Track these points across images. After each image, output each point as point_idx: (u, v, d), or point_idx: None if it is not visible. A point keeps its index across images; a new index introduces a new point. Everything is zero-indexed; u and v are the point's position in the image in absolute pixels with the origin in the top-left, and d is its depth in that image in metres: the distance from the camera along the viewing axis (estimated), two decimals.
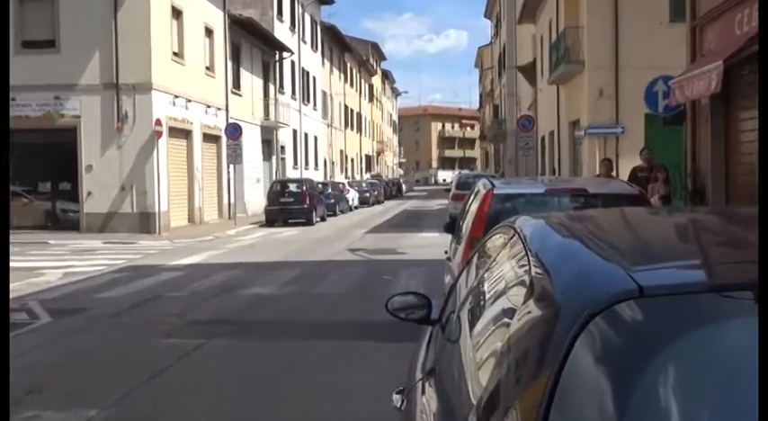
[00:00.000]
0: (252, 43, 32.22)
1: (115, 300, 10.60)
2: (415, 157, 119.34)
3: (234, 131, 25.79)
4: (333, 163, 51.13)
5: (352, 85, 59.92)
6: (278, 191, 26.98)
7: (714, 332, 1.36)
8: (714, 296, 1.43)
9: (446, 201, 28.85)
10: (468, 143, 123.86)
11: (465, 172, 49.44)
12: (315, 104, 45.78)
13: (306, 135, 42.60)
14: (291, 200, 26.30)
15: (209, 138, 27.17)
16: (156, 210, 21.72)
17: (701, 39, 12.15)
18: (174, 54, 23.99)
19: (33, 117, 21.54)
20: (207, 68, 27.16)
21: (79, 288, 11.94)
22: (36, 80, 21.02)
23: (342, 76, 55.43)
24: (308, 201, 26.35)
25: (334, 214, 31.00)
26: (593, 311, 1.43)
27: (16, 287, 11.12)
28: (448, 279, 6.68)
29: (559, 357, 1.40)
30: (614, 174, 14.01)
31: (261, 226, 25.83)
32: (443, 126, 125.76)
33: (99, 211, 21.82)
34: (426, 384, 2.51)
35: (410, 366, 3.11)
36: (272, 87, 35.32)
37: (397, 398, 2.97)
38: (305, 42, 42.91)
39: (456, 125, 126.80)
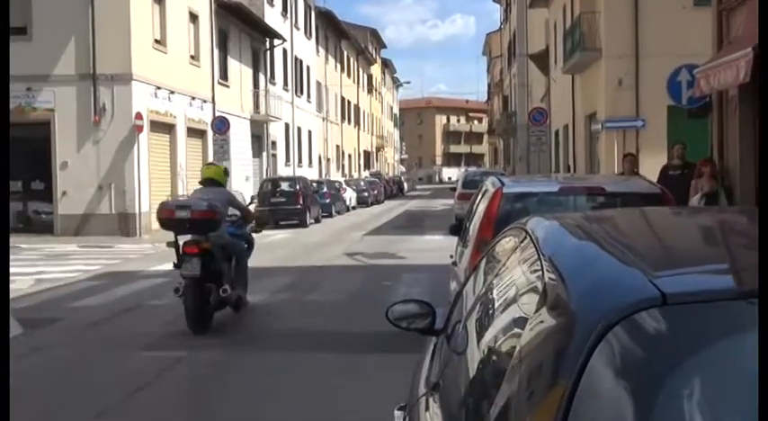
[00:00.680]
0: (240, 30, 32.24)
1: (91, 310, 10.60)
2: (418, 153, 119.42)
3: (221, 125, 25.81)
4: (328, 160, 51.16)
5: (349, 75, 59.97)
6: (269, 190, 27.01)
7: (742, 342, 1.36)
8: (742, 303, 1.42)
9: (451, 201, 28.87)
10: (475, 138, 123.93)
11: (472, 169, 49.38)
12: (309, 96, 45.81)
13: (299, 129, 42.63)
14: (283, 200, 26.32)
15: (194, 132, 27.19)
16: (137, 210, 21.73)
17: (729, 24, 12.16)
18: (156, 41, 24.01)
19: None
20: (191, 57, 27.18)
21: (52, 296, 11.94)
22: None
23: (338, 65, 55.47)
24: (301, 202, 26.37)
25: (330, 215, 31.01)
26: (611, 321, 1.43)
27: None
28: (453, 285, 6.69)
29: (575, 370, 1.40)
30: (637, 170, 13.52)
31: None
32: (448, 119, 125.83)
33: (74, 212, 21.83)
34: (430, 400, 2.51)
35: (413, 380, 3.11)
36: (262, 78, 35.34)
37: (398, 414, 2.97)
38: (298, 29, 42.95)
39: (462, 118, 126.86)
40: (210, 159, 26.87)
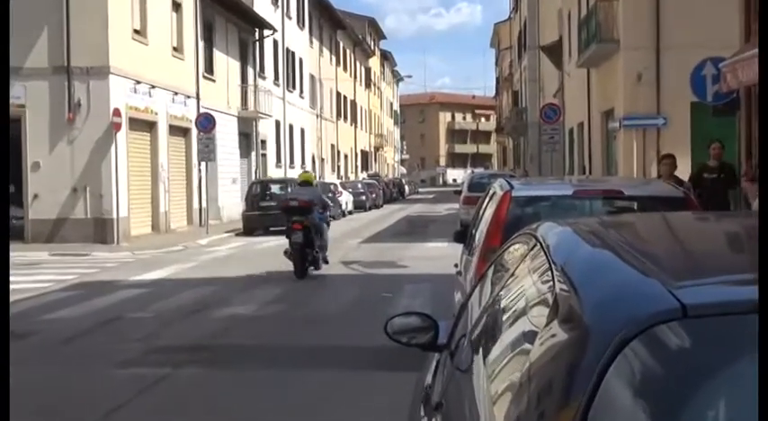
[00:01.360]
0: (227, 19, 32.28)
1: (66, 323, 10.59)
2: (420, 154, 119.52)
3: (206, 123, 25.81)
4: (323, 160, 51.19)
5: (345, 68, 60.03)
6: (258, 193, 26.99)
7: None
8: None
9: (456, 206, 28.86)
10: (482, 137, 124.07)
11: (479, 171, 49.43)
12: (301, 91, 45.85)
13: (291, 127, 42.66)
14: (274, 204, 26.28)
15: (177, 130, 27.21)
16: (114, 215, 21.73)
17: (757, 13, 12.19)
18: (136, 32, 24.03)
19: None
20: (174, 49, 27.21)
21: (23, 308, 11.91)
22: None
23: (333, 57, 55.54)
24: None
25: None
26: (627, 334, 1.44)
27: None
28: (458, 297, 6.69)
29: (588, 388, 1.40)
30: (677, 176, 11.41)
31: (238, 234, 25.83)
32: (453, 117, 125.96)
33: (47, 217, 21.83)
34: None
35: (413, 400, 3.11)
36: (250, 71, 35.37)
37: None
38: (290, 18, 43.00)
39: (468, 115, 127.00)
40: (194, 159, 26.92)
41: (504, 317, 2.33)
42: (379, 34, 78.21)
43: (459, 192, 26.98)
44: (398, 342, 3.14)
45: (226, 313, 11.22)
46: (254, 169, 35.36)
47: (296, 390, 7.11)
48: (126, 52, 22.92)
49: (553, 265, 2.04)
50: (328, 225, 15.88)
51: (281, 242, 23.01)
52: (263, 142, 37.19)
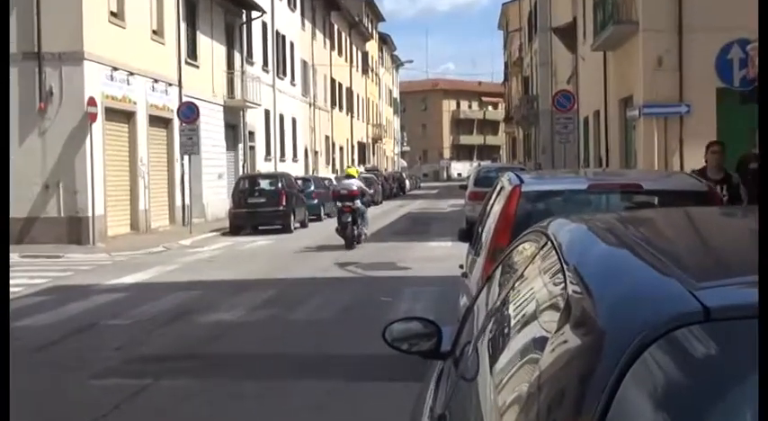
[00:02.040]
0: (212, 0, 32.26)
1: (37, 331, 10.60)
2: (422, 145, 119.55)
3: (189, 113, 25.83)
4: (316, 153, 51.19)
5: (340, 53, 60.02)
6: (246, 189, 27.00)
7: None
8: None
9: (461, 202, 28.89)
10: (489, 127, 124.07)
11: (486, 164, 49.54)
12: (293, 78, 45.84)
13: (281, 117, 42.66)
14: (263, 200, 26.32)
15: (158, 121, 27.21)
16: (90, 214, 21.73)
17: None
18: (112, 14, 24.03)
19: None
20: (154, 32, 27.20)
21: None
22: None
23: (327, 41, 55.52)
24: (284, 203, 26.37)
25: (319, 218, 31.02)
26: (645, 339, 1.44)
27: None
28: (463, 301, 6.69)
29: (603, 397, 1.41)
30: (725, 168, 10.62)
31: (224, 234, 25.85)
32: (458, 105, 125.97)
33: (16, 216, 21.77)
34: None
35: (414, 411, 3.12)
36: (237, 56, 35.37)
37: None
38: None
39: (474, 104, 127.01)
40: (176, 152, 26.92)
41: (513, 322, 2.34)
42: (378, 16, 78.18)
43: (465, 187, 27.02)
44: (398, 349, 3.14)
45: (211, 319, 11.23)
46: (241, 163, 35.37)
47: (284, 403, 7.13)
48: (102, 36, 22.91)
49: (565, 265, 2.04)
50: (368, 207, 22.67)
51: (271, 242, 23.14)
52: (252, 134, 37.19)
